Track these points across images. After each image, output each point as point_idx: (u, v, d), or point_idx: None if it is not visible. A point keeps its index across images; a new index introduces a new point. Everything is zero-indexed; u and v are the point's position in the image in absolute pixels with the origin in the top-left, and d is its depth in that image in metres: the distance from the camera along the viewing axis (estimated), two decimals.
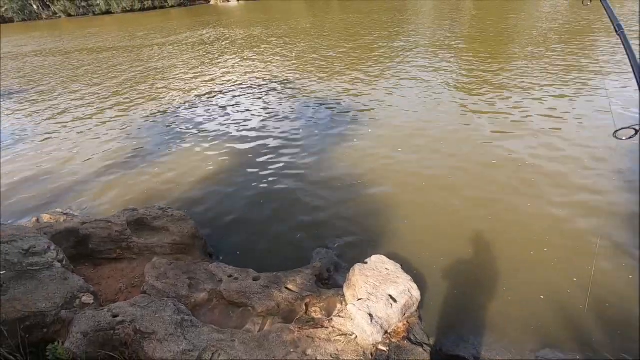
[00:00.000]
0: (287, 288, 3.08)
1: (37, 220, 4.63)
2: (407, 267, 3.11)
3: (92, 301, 2.79)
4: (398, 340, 2.54)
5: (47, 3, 51.39)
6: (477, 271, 3.72)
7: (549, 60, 10.61)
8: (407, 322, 2.67)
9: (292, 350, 2.41)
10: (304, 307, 2.95)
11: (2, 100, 11.82)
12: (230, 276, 3.26)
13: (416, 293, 2.69)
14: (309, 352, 2.40)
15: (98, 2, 49.57)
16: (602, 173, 5.07)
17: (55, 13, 52.09)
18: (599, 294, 3.31)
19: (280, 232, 4.55)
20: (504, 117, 7.05)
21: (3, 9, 50.09)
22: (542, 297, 3.37)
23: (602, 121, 6.55)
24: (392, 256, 3.07)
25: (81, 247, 3.69)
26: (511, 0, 24.65)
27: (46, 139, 8.19)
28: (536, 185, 4.92)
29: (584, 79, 8.80)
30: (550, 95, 7.93)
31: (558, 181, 4.98)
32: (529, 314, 3.23)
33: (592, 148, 5.67)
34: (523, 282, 3.54)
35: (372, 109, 8.13)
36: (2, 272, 2.78)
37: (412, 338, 2.59)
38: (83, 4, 50.66)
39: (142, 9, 50.84)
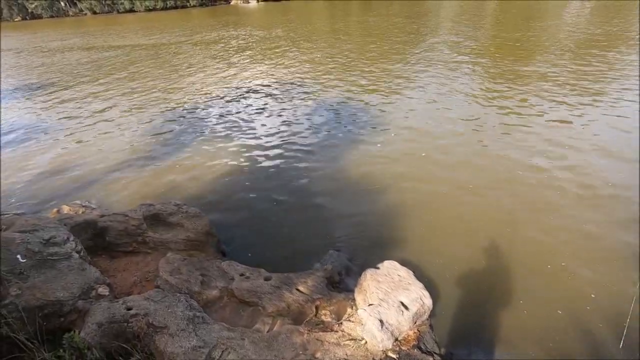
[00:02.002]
0: (297, 289, 3.08)
1: (58, 211, 4.76)
2: (420, 274, 3.07)
3: (107, 293, 2.85)
4: (408, 348, 2.51)
5: (74, 0, 53.17)
6: (492, 282, 3.65)
7: (578, 69, 10.36)
8: (418, 330, 2.63)
9: (300, 352, 2.41)
10: (314, 309, 2.94)
11: (26, 94, 12.23)
12: (242, 275, 3.28)
13: (428, 301, 2.65)
14: (318, 355, 2.39)
15: (122, 0, 50.99)
16: (626, 192, 4.91)
17: (81, 10, 53.92)
18: (618, 316, 3.20)
19: (292, 234, 4.56)
20: (530, 129, 6.86)
21: (32, 6, 52.10)
22: (559, 312, 3.28)
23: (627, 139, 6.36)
24: (404, 262, 3.04)
25: (98, 239, 3.78)
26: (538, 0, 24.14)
27: (67, 134, 8.42)
28: (557, 201, 4.79)
29: (616, 93, 8.56)
30: (577, 108, 7.67)
31: (580, 197, 4.84)
32: (544, 328, 3.15)
33: (618, 167, 5.48)
34: (539, 295, 3.45)
35: (396, 114, 8.05)
36: (23, 260, 2.87)
37: (422, 347, 2.55)
38: (108, 1, 52.23)
39: (165, 8, 52.02)
